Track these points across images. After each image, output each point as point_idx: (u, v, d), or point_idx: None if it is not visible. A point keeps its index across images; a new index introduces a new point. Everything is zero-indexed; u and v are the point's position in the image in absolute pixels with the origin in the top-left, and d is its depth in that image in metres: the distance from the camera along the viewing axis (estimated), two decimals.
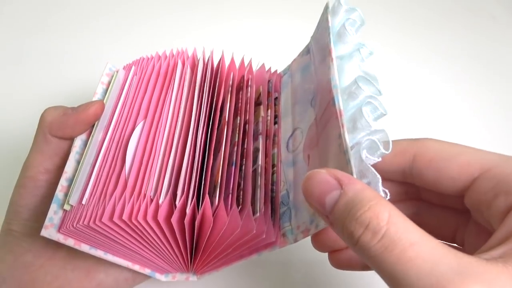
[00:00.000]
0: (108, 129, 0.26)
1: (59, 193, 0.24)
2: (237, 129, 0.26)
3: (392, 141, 0.22)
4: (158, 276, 0.26)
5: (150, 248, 0.24)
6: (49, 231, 0.22)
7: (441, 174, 0.20)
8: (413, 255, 0.14)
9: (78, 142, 0.25)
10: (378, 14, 0.53)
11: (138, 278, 0.27)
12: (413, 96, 0.46)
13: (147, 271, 0.26)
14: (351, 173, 0.18)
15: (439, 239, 0.23)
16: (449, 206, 0.22)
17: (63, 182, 0.24)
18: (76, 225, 0.22)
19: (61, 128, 0.25)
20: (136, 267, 0.25)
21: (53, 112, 0.25)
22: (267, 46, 0.47)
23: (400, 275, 0.15)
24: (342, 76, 0.22)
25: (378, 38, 0.50)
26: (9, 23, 0.46)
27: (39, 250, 0.25)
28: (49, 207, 0.23)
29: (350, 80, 0.21)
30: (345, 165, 0.18)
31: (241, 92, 0.28)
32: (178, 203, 0.22)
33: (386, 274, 0.15)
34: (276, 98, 0.29)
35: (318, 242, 0.25)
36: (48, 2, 0.48)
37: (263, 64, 0.30)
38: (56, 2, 0.48)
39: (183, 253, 0.24)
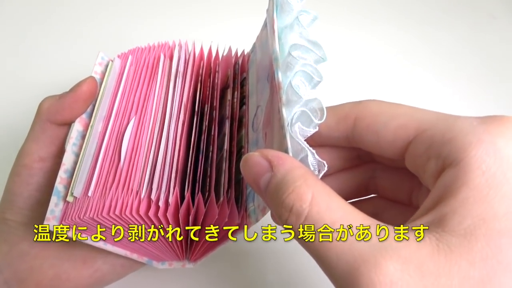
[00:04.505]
0: (109, 120, 0.26)
1: (59, 185, 0.23)
2: (205, 116, 0.26)
3: (336, 105, 0.21)
4: (155, 264, 0.27)
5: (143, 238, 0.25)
6: (50, 223, 0.22)
7: (379, 138, 0.19)
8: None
9: (74, 134, 0.25)
10: (377, 13, 0.52)
11: (135, 264, 0.27)
12: (413, 95, 0.45)
13: (144, 259, 0.27)
14: (287, 149, 0.18)
15: (396, 202, 0.22)
16: (403, 168, 0.20)
17: (61, 174, 0.24)
18: (83, 217, 0.22)
19: (60, 111, 0.25)
20: (134, 256, 0.26)
21: (50, 99, 0.25)
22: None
23: (323, 256, 0.14)
24: (286, 46, 0.21)
25: (379, 37, 0.50)
26: (10, 14, 0.47)
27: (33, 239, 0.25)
28: (44, 196, 0.23)
29: None
30: (283, 141, 0.18)
31: (209, 80, 0.28)
32: (154, 197, 0.23)
33: (313, 256, 0.15)
34: (244, 79, 0.29)
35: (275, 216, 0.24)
36: None
37: (230, 48, 0.29)
38: None
39: (170, 243, 0.25)
